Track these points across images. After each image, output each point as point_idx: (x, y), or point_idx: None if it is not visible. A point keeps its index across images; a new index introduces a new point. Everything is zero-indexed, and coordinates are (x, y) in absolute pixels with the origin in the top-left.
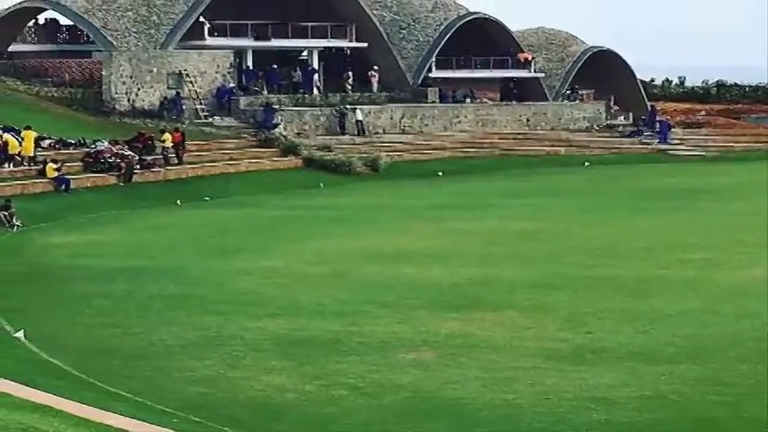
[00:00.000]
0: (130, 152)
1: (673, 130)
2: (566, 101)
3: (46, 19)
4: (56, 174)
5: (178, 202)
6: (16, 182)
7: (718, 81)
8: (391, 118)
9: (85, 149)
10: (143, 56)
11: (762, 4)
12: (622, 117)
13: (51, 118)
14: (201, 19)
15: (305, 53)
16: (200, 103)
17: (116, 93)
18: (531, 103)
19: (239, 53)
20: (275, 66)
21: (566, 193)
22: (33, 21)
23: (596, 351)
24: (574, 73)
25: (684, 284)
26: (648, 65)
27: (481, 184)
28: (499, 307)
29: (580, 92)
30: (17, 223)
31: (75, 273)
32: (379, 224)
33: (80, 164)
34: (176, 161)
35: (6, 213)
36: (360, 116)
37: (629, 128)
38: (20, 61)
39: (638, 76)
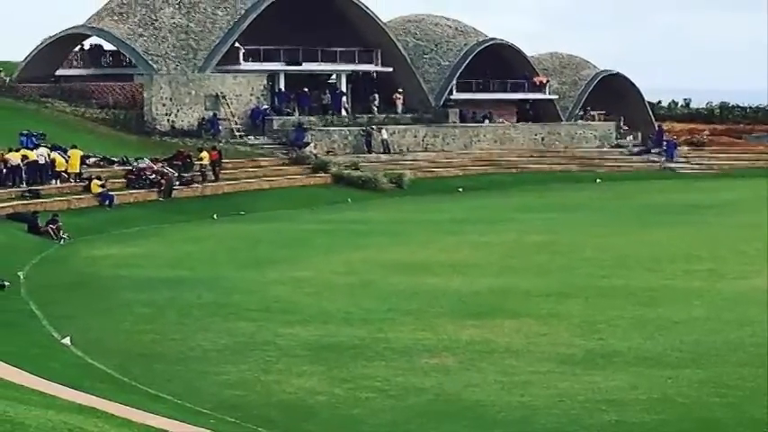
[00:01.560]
0: (170, 169)
1: (679, 148)
2: (578, 121)
3: (91, 45)
4: (100, 190)
5: (215, 216)
6: (63, 197)
7: (721, 102)
8: (415, 137)
9: (128, 167)
10: (182, 79)
11: (762, 32)
12: (631, 136)
13: (96, 137)
14: (237, 44)
15: (334, 77)
16: (236, 124)
17: (157, 114)
18: (545, 123)
19: (272, 77)
20: (306, 88)
21: (578, 207)
22: (79, 46)
23: (607, 356)
24: (586, 95)
25: (690, 294)
26: (656, 87)
27: (499, 199)
28: (516, 315)
29: (592, 113)
30: (64, 236)
31: (118, 282)
32: (404, 237)
33: (123, 180)
34: (213, 178)
35: (54, 227)
36: (385, 135)
37: (637, 146)
38: (66, 84)
39: (646, 97)
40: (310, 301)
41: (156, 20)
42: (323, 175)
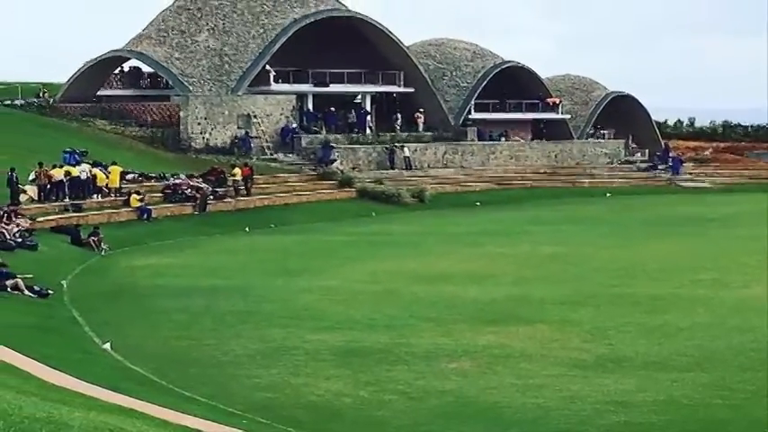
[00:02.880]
0: (205, 185)
1: (684, 164)
2: (589, 139)
3: (130, 67)
4: (139, 204)
5: (247, 228)
6: (104, 211)
7: (723, 121)
8: (435, 154)
9: (165, 182)
10: (216, 100)
11: (762, 54)
12: (639, 153)
13: (135, 154)
14: (267, 67)
15: (359, 97)
16: (267, 142)
17: (192, 132)
18: (558, 141)
19: (301, 97)
20: (333, 108)
21: (589, 220)
22: (119, 69)
23: (616, 360)
24: (596, 115)
25: (694, 302)
26: (662, 107)
27: (514, 212)
28: (531, 321)
29: (602, 131)
30: (104, 247)
31: (155, 291)
32: (425, 248)
33: (160, 195)
34: (245, 193)
35: (95, 239)
36: (407, 153)
37: (645, 163)
38: (107, 104)
39: (653, 117)
40: (337, 308)
41: (192, 44)
42: (349, 189)
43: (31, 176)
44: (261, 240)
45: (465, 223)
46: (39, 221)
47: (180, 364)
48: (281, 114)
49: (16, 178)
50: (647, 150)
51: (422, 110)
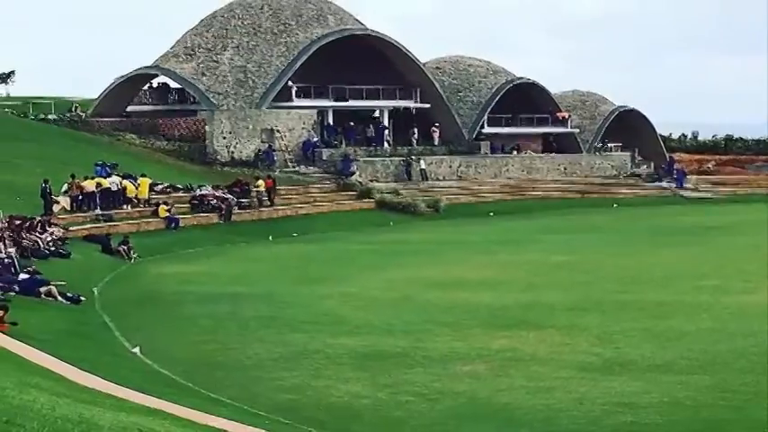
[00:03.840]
0: (230, 196)
1: (687, 176)
2: (597, 152)
3: (158, 83)
4: (167, 214)
5: (270, 237)
6: (133, 221)
7: (725, 135)
8: (450, 167)
9: (192, 193)
10: (240, 114)
11: (762, 71)
12: (645, 166)
13: (163, 167)
14: (290, 83)
15: (377, 112)
16: (289, 155)
17: (218, 146)
18: (567, 154)
19: (322, 112)
20: (352, 123)
21: (597, 230)
22: (148, 85)
23: (623, 364)
24: (604, 129)
25: (698, 307)
26: (667, 122)
27: (525, 222)
28: (541, 326)
29: (609, 145)
30: (134, 256)
31: (183, 297)
32: (440, 256)
33: (187, 206)
34: (268, 203)
35: (125, 247)
36: (423, 165)
37: (650, 175)
38: (137, 119)
39: (658, 131)
40: (356, 314)
41: (218, 61)
42: (367, 200)
43: (64, 188)
44: (283, 249)
45: (478, 232)
46: (71, 231)
47: (206, 367)
48: (303, 128)
49: (50, 189)
50: (652, 163)
51: (437, 124)
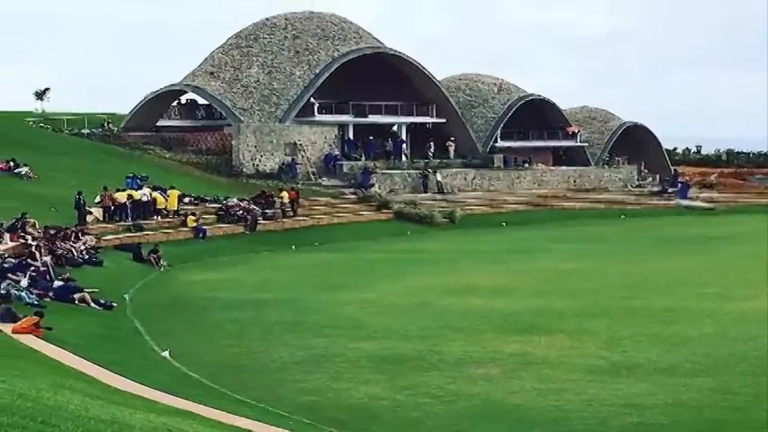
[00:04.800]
0: (255, 207)
1: (691, 188)
2: (605, 165)
3: (187, 100)
4: (195, 224)
5: (293, 247)
6: (163, 231)
7: (727, 149)
8: (465, 179)
9: (219, 204)
10: (265, 129)
11: (762, 87)
12: (651, 178)
13: (191, 179)
14: (312, 99)
15: (395, 127)
16: (311, 167)
17: (243, 159)
18: (577, 167)
19: (342, 127)
20: (371, 137)
21: (605, 239)
22: (177, 101)
23: (630, 367)
24: (612, 143)
25: (701, 313)
26: (671, 136)
27: (536, 232)
28: (551, 331)
29: (616, 158)
30: (164, 264)
31: (210, 303)
32: (455, 265)
33: (214, 216)
34: (292, 214)
35: (155, 256)
36: (439, 178)
37: (656, 187)
38: (166, 134)
39: (664, 145)
40: (375, 319)
41: (243, 78)
42: (386, 211)
43: (97, 199)
44: (306, 257)
45: (492, 242)
46: (104, 240)
47: (232, 369)
48: (325, 143)
49: (83, 201)
50: (657, 175)
51: (453, 138)
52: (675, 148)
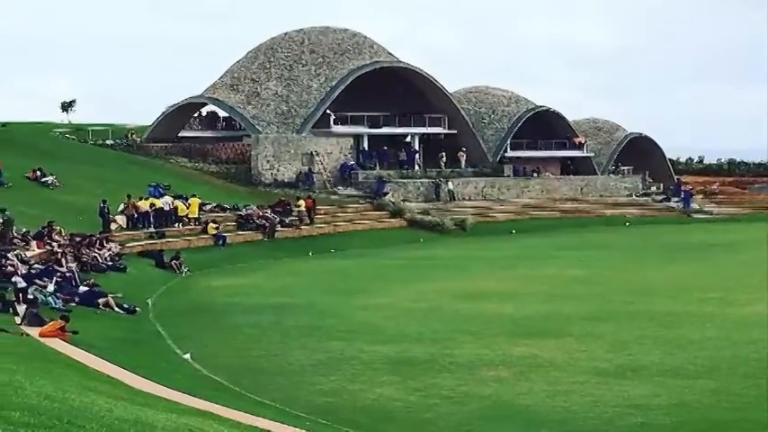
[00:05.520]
0: (273, 214)
1: (694, 197)
2: (611, 175)
3: (207, 111)
4: (215, 231)
5: (310, 253)
6: (184, 238)
7: (729, 159)
8: (475, 188)
9: (238, 212)
10: (283, 140)
11: (762, 101)
12: (655, 187)
13: (211, 188)
14: (328, 111)
15: (409, 137)
16: (328, 177)
17: (262, 168)
18: (584, 176)
19: (358, 138)
20: (386, 147)
21: (610, 246)
22: (198, 113)
23: (635, 369)
24: (617, 153)
25: (703, 317)
26: (675, 146)
27: (545, 239)
28: (559, 335)
29: (622, 168)
30: (185, 270)
31: (230, 308)
32: (466, 271)
33: (234, 224)
34: (309, 222)
35: (177, 262)
36: (451, 186)
37: (660, 196)
38: (187, 144)
39: (667, 155)
40: (389, 323)
41: (262, 91)
42: (399, 219)
43: (121, 207)
44: (322, 263)
45: (501, 249)
46: (127, 247)
47: (251, 372)
48: (341, 153)
49: (108, 209)
50: (661, 184)
51: (464, 149)
52: (679, 158)
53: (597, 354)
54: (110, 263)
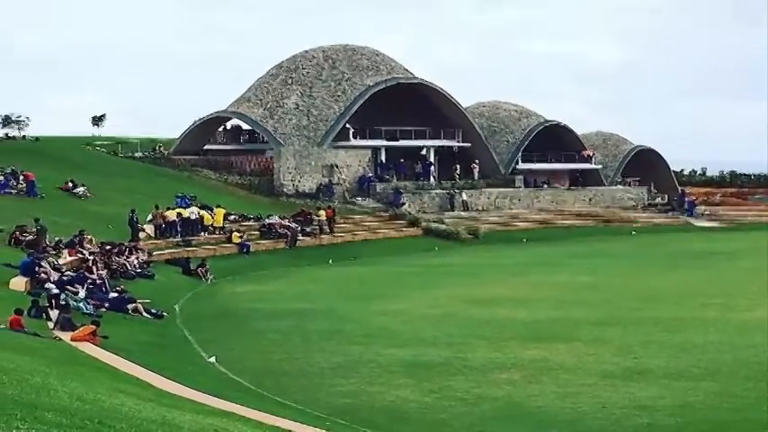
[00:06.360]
0: (294, 224)
1: (697, 207)
2: (618, 186)
3: (231, 125)
4: (239, 240)
5: (330, 261)
6: (210, 246)
7: (730, 171)
8: (488, 198)
9: (261, 222)
10: (304, 152)
11: (762, 115)
12: (660, 198)
13: (235, 199)
14: (347, 125)
15: (424, 150)
16: (347, 188)
17: (284, 180)
18: (592, 187)
19: (375, 150)
20: (402, 160)
21: (618, 254)
22: (222, 126)
23: (641, 372)
24: (624, 165)
25: (706, 322)
26: (679, 159)
27: (555, 248)
28: (569, 339)
29: (628, 179)
30: (210, 277)
31: (253, 313)
32: (480, 278)
33: (257, 233)
34: (329, 231)
35: (203, 269)
36: (465, 197)
37: (664, 206)
38: (212, 156)
39: (672, 167)
40: (405, 328)
41: (284, 106)
42: (416, 228)
43: (149, 217)
44: (342, 271)
45: (513, 256)
46: (155, 255)
47: (274, 374)
48: (359, 165)
49: (136, 218)
50: (666, 195)
51: (477, 161)
52: (682, 170)
53: (605, 357)
54: (138, 270)
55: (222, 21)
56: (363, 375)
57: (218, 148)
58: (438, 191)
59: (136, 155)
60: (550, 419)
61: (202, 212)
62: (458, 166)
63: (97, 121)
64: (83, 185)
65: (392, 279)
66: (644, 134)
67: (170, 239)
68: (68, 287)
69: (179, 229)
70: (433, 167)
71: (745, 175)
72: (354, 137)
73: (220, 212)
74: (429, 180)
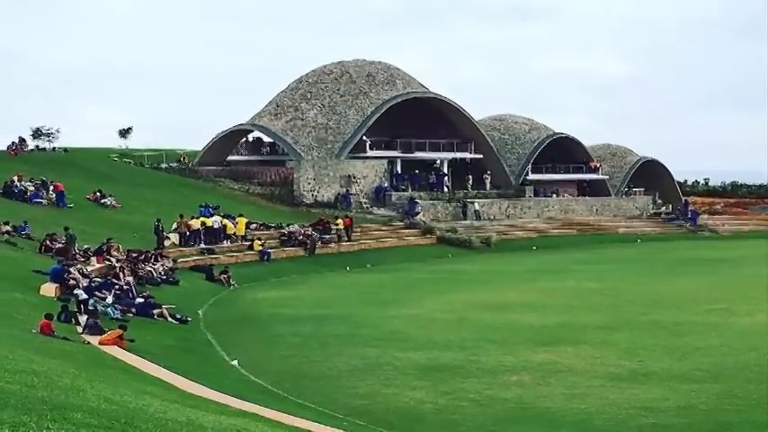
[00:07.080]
0: (314, 232)
1: (700, 216)
2: (624, 196)
3: (253, 138)
4: (260, 248)
5: (347, 268)
6: (232, 254)
7: (732, 181)
8: (499, 208)
9: (281, 230)
10: (323, 164)
11: (762, 126)
12: (664, 207)
13: (257, 208)
14: (364, 137)
15: (438, 162)
16: (364, 198)
17: (303, 190)
18: (599, 197)
19: (391, 162)
20: (417, 171)
21: (624, 261)
22: (244, 139)
23: (646, 374)
24: (630, 176)
25: (709, 327)
26: (682, 170)
27: (563, 255)
28: (576, 342)
29: (634, 189)
30: (233, 283)
31: (274, 318)
32: (491, 284)
33: (278, 241)
34: (346, 239)
35: (226, 276)
36: (477, 207)
37: (668, 215)
38: (235, 168)
39: (676, 177)
40: (420, 332)
41: (303, 119)
42: (430, 236)
43: (174, 226)
44: (359, 277)
45: (523, 263)
46: (180, 262)
47: (293, 377)
48: (375, 176)
49: (162, 227)
50: (670, 205)
51: (489, 172)
52: (686, 181)
53: (611, 360)
54: (164, 276)
55: (243, 37)
56: (379, 377)
57: (240, 159)
58: (451, 201)
59: (161, 166)
60: (559, 420)
61: (225, 221)
62: (470, 177)
63: (124, 133)
64: (110, 195)
65: (407, 285)
66: (649, 146)
67: (194, 247)
68: (96, 293)
69: (203, 237)
70: (446, 178)
71: (746, 185)
72: (371, 149)
73: (242, 221)
74: (443, 190)
